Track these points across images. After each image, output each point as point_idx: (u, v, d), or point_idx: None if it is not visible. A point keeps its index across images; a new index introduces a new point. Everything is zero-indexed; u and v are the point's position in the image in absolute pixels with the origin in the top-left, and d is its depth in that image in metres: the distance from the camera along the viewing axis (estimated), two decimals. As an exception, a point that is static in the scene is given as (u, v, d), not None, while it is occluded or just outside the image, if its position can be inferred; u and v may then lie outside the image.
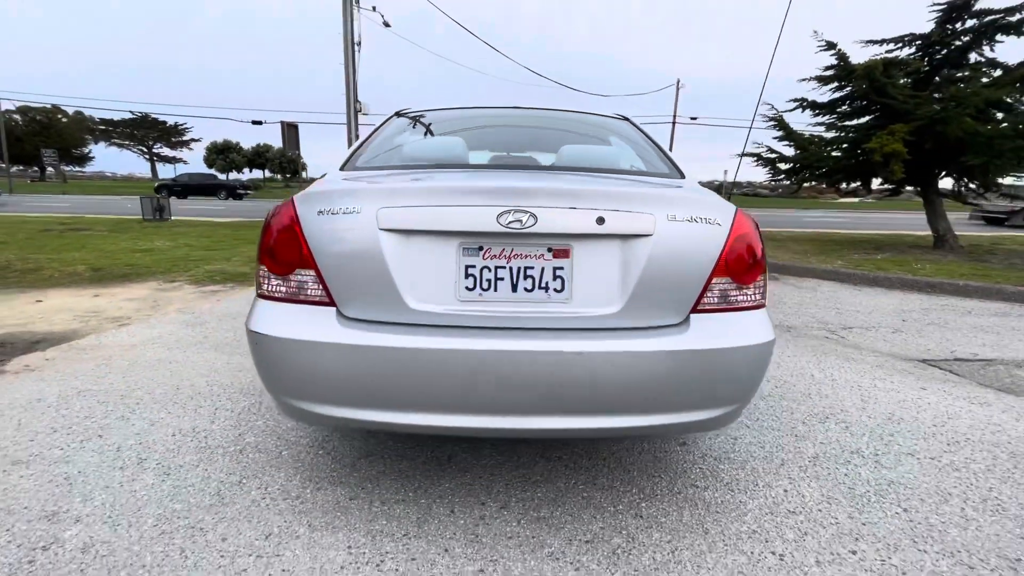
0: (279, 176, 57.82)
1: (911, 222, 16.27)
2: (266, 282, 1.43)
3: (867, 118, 9.40)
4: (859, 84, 8.46)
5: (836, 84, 9.12)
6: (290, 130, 13.91)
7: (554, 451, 1.95)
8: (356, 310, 1.36)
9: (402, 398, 1.31)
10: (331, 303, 1.37)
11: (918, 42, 9.18)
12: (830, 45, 8.78)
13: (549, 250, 1.33)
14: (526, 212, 1.29)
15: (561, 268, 1.34)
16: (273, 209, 1.46)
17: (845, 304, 4.93)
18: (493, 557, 1.39)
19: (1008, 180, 10.01)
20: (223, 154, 55.44)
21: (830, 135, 9.86)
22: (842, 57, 8.74)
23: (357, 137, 15.80)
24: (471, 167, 1.90)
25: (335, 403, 1.35)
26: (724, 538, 1.48)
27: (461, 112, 2.48)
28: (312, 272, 1.37)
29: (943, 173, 9.26)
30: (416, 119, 2.33)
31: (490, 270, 1.34)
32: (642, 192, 1.40)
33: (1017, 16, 8.28)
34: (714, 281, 1.37)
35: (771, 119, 10.13)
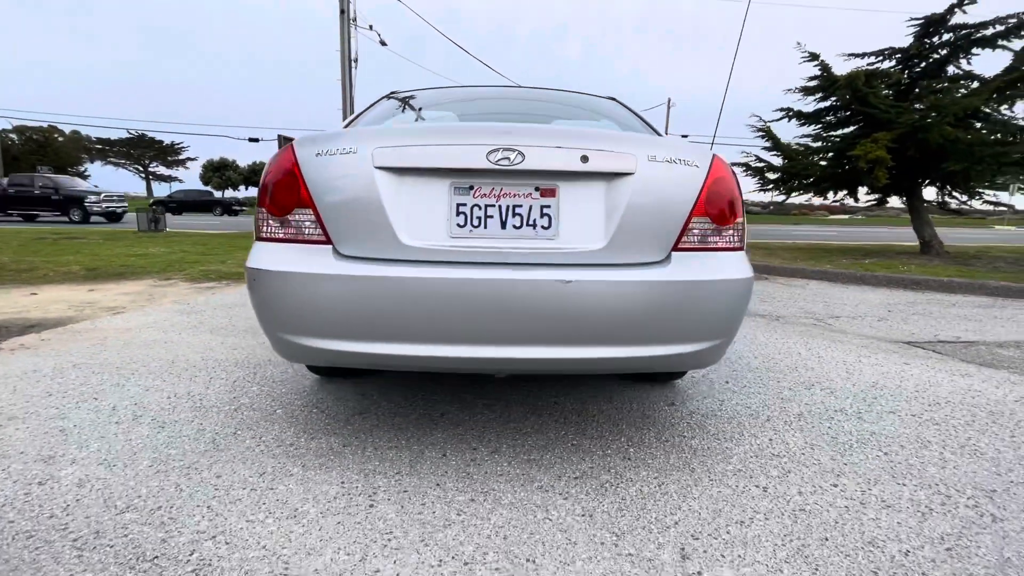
0: (275, 194, 57.99)
1: (900, 235, 16.57)
2: (265, 225, 1.48)
3: (851, 128, 9.66)
4: (842, 94, 8.73)
5: (820, 94, 9.37)
6: (285, 144, 14.07)
7: (545, 408, 1.99)
8: (352, 247, 1.41)
9: (395, 329, 1.36)
10: (328, 241, 1.42)
11: (898, 55, 9.51)
12: (813, 56, 9.06)
13: (536, 189, 1.40)
14: (514, 150, 1.36)
15: (548, 206, 1.40)
16: (273, 155, 1.53)
17: (833, 298, 5.02)
18: (484, 489, 1.42)
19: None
20: (219, 172, 55.77)
21: (816, 145, 10.11)
22: (825, 68, 9.02)
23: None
24: (480, 119, 2.01)
25: (330, 336, 1.40)
26: (710, 475, 1.52)
27: (453, 91, 2.58)
28: (310, 211, 1.42)
29: (926, 181, 9.49)
30: (408, 99, 2.43)
31: (480, 208, 1.40)
32: (624, 135, 1.49)
33: (991, 30, 8.59)
34: (693, 221, 1.44)
35: (758, 130, 10.43)
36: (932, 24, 9.06)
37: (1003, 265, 7.87)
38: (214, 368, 2.41)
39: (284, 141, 14.18)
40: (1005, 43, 8.72)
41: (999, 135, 8.16)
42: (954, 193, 9.90)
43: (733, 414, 2.00)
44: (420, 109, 2.30)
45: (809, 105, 9.81)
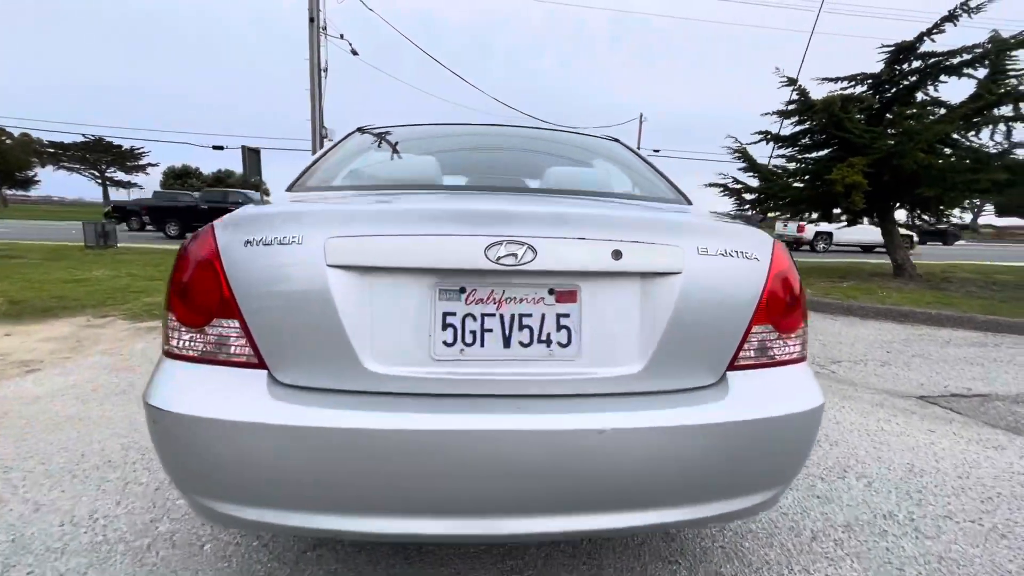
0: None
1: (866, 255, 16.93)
2: (174, 335, 1.08)
3: (826, 151, 9.74)
4: (819, 118, 8.74)
5: (797, 118, 9.40)
6: (251, 155, 13.39)
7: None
8: (295, 374, 1.02)
9: (359, 496, 0.97)
10: (260, 364, 1.03)
11: (869, 80, 9.63)
12: (791, 81, 9.09)
13: (551, 292, 1.04)
14: (522, 243, 1.00)
15: (566, 315, 1.04)
16: (189, 238, 1.12)
17: (827, 335, 4.83)
18: None
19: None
20: (181, 179, 53.66)
21: (792, 167, 10.17)
22: (803, 92, 9.04)
23: (322, 163, 15.49)
24: (446, 189, 1.61)
25: (266, 504, 1.00)
26: (770, 652, 1.17)
27: (431, 129, 2.20)
28: (235, 323, 1.03)
29: (899, 204, 9.61)
30: (381, 136, 2.04)
31: (475, 318, 1.03)
32: (665, 219, 1.14)
33: (958, 59, 8.77)
34: (754, 330, 1.10)
35: (735, 151, 10.43)
36: (902, 51, 9.21)
37: (975, 289, 7.95)
38: (134, 465, 1.95)
39: (249, 153, 13.49)
40: (970, 71, 8.92)
41: (969, 161, 8.28)
42: (923, 215, 10.10)
43: (771, 528, 1.67)
44: (394, 150, 1.92)
45: (786, 128, 9.84)
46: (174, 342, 1.08)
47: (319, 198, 1.45)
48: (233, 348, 1.03)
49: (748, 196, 10.48)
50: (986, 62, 8.63)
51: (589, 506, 1.00)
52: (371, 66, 20.77)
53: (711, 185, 10.80)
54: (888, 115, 9.46)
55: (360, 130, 2.09)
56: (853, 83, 9.73)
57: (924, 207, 9.34)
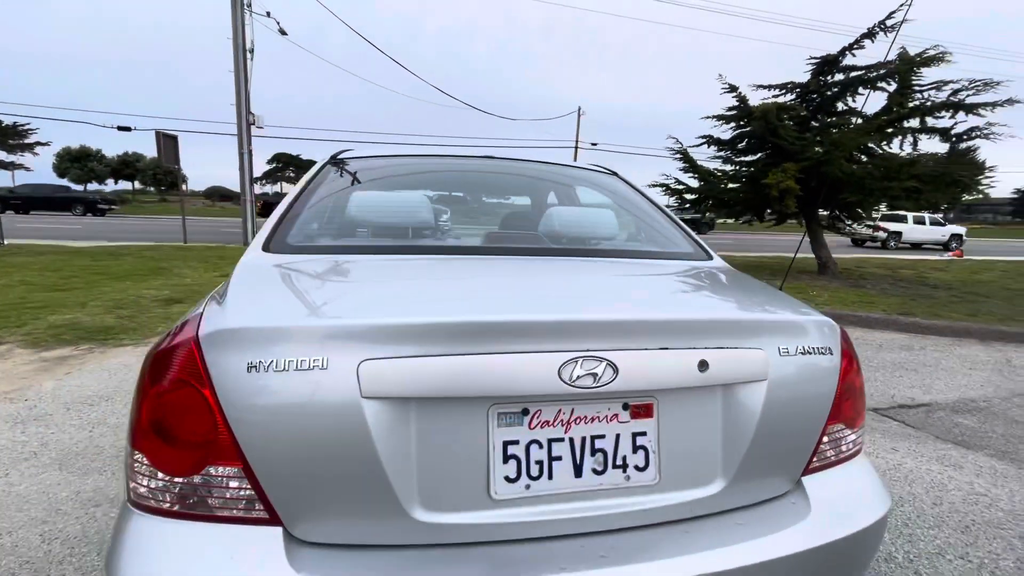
0: (152, 188, 51.26)
1: (781, 244, 18.26)
2: (146, 482, 0.83)
3: (760, 155, 10.30)
4: (757, 124, 9.17)
5: (736, 123, 9.82)
6: (167, 142, 12.11)
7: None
8: (321, 529, 0.81)
9: None
10: (273, 519, 0.81)
11: (798, 89, 10.25)
12: (732, 88, 9.45)
13: (625, 407, 0.90)
14: (600, 359, 0.84)
15: (643, 433, 0.90)
16: (157, 348, 0.86)
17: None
18: None
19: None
20: (79, 162, 47.91)
21: (731, 170, 10.68)
22: (743, 99, 9.44)
23: (250, 152, 14.30)
24: (465, 252, 1.43)
25: None
26: None
27: (418, 162, 1.97)
28: (237, 468, 0.80)
29: (824, 207, 10.35)
30: (360, 170, 1.78)
31: (541, 446, 0.86)
32: (750, 319, 1.03)
33: (874, 73, 9.51)
34: (829, 429, 1.02)
35: (676, 152, 10.79)
36: (827, 63, 9.85)
37: (888, 287, 8.74)
38: (62, 566, 1.61)
39: (165, 139, 12.17)
40: (883, 85, 9.71)
41: (883, 169, 9.03)
42: (843, 218, 10.97)
43: None
44: (385, 198, 1.68)
45: (725, 132, 10.26)
46: (146, 491, 0.82)
47: (312, 266, 1.21)
48: (235, 500, 0.80)
49: (689, 196, 10.91)
50: (896, 77, 9.43)
51: None
52: (301, 48, 19.46)
53: (654, 185, 11.14)
54: (814, 123, 10.14)
55: (335, 160, 1.82)
56: (784, 91, 10.33)
57: (844, 210, 10.10)
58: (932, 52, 9.03)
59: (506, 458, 0.85)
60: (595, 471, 0.88)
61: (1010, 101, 8.33)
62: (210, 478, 0.80)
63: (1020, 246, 26.65)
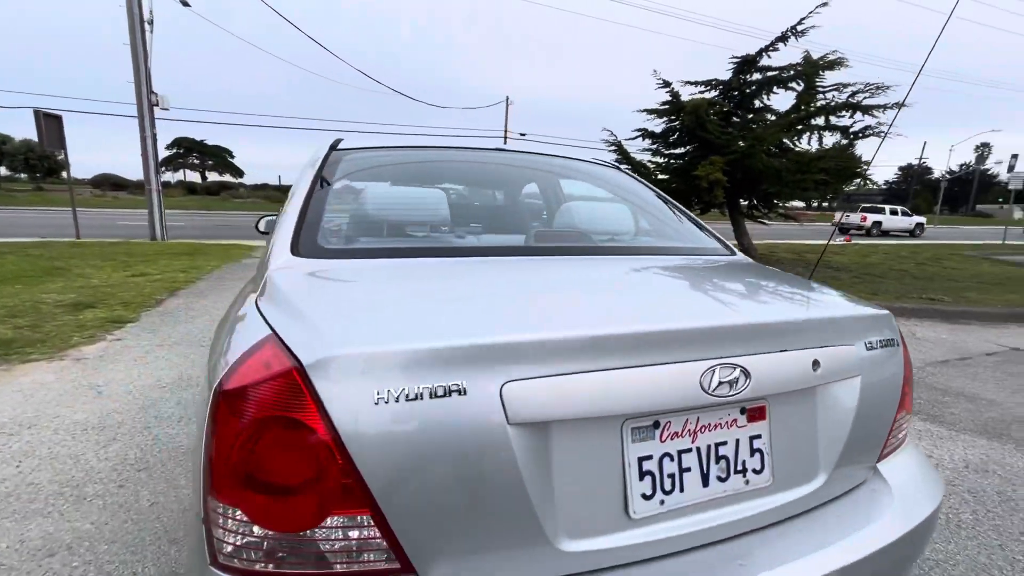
0: (24, 176, 44.56)
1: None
2: (241, 540, 0.69)
3: (688, 148, 10.89)
4: (688, 119, 9.66)
5: (668, 117, 10.29)
6: (50, 123, 10.54)
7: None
8: (458, 573, 0.72)
9: None
10: (405, 570, 0.71)
11: (721, 87, 10.92)
12: (666, 83, 9.86)
13: (742, 411, 0.89)
14: (735, 366, 0.82)
15: (758, 436, 0.90)
16: (239, 381, 0.72)
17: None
18: None
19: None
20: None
21: (662, 161, 11.20)
22: (675, 95, 9.88)
23: (154, 136, 12.82)
24: (519, 253, 1.35)
25: None
26: None
27: (432, 154, 1.83)
28: (362, 517, 0.69)
29: (748, 199, 11.17)
30: (375, 164, 1.62)
31: (672, 458, 0.83)
32: (846, 316, 1.04)
33: (786, 74, 10.35)
34: (898, 416, 1.08)
35: (611, 144, 11.15)
36: (746, 63, 10.56)
37: (801, 271, 9.63)
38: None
39: (47, 119, 10.56)
40: (793, 85, 10.60)
41: (796, 163, 9.89)
42: (759, 207, 11.90)
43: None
44: (406, 183, 1.54)
45: (658, 126, 10.72)
46: (246, 553, 0.69)
47: (373, 273, 1.08)
48: (361, 551, 0.70)
49: (624, 187, 11.31)
50: (803, 79, 10.33)
51: None
52: (206, 20, 17.71)
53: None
54: (735, 118, 10.87)
55: (334, 148, 1.64)
56: (709, 88, 10.96)
57: (763, 200, 10.95)
58: (832, 57, 9.98)
59: (641, 475, 0.81)
60: (719, 479, 0.87)
61: (897, 105, 9.42)
62: (330, 530, 0.69)
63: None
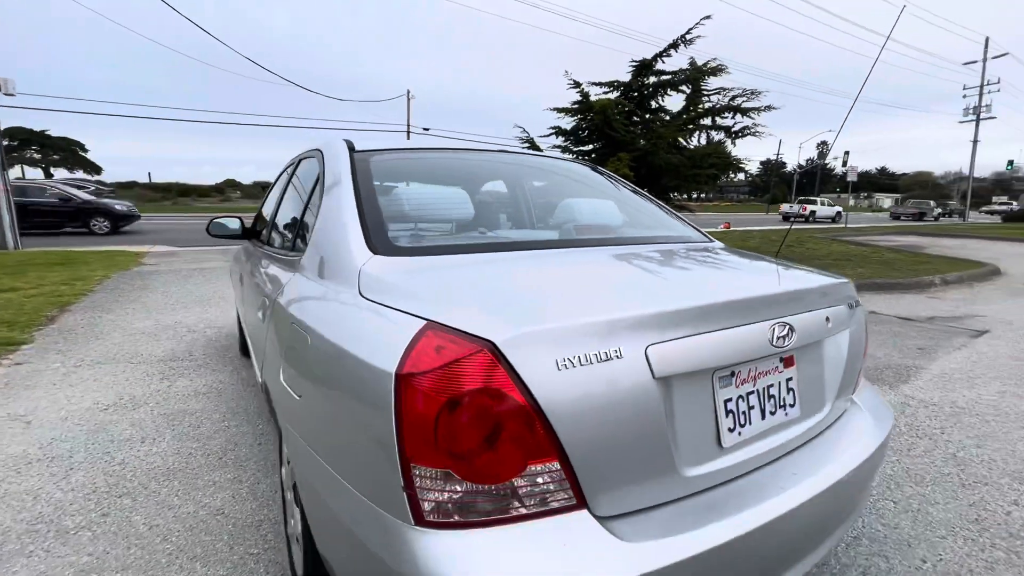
0: None
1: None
2: (440, 494, 0.81)
3: (597, 145, 11.62)
4: (597, 117, 10.32)
5: (578, 115, 10.90)
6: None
7: None
8: (613, 503, 0.90)
9: None
10: (580, 504, 0.87)
11: (622, 88, 11.79)
12: (576, 83, 10.44)
13: (781, 360, 1.16)
14: (786, 324, 1.08)
15: (790, 379, 1.18)
16: (433, 359, 0.83)
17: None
18: None
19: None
20: None
21: (569, 156, 11.84)
22: (585, 95, 10.50)
23: (-2, 128, 10.82)
24: (567, 245, 1.52)
25: None
26: None
27: (452, 155, 1.96)
28: (552, 464, 0.84)
29: (647, 191, 12.19)
30: (410, 167, 1.71)
31: (744, 399, 1.08)
32: (836, 283, 1.35)
33: (678, 78, 11.45)
34: (864, 357, 1.43)
35: (524, 140, 11.57)
36: (644, 67, 11.51)
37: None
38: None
39: None
40: (684, 89, 11.76)
41: (691, 159, 11.01)
42: (658, 199, 13.06)
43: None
44: (448, 184, 1.65)
45: (569, 123, 11.31)
46: (451, 507, 0.81)
47: (458, 267, 1.20)
48: (551, 493, 0.84)
49: (539, 182, 11.80)
50: (690, 83, 11.52)
51: (821, 539, 1.17)
52: (53, -8, 15.20)
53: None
54: (635, 117, 11.80)
55: (363, 154, 1.67)
56: (612, 88, 11.77)
57: (664, 194, 12.03)
58: (713, 64, 11.24)
59: (727, 413, 1.04)
60: (771, 412, 1.13)
61: (769, 108, 10.87)
62: (526, 477, 0.82)
63: (757, 217, 35.56)
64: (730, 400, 1.06)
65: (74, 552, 1.71)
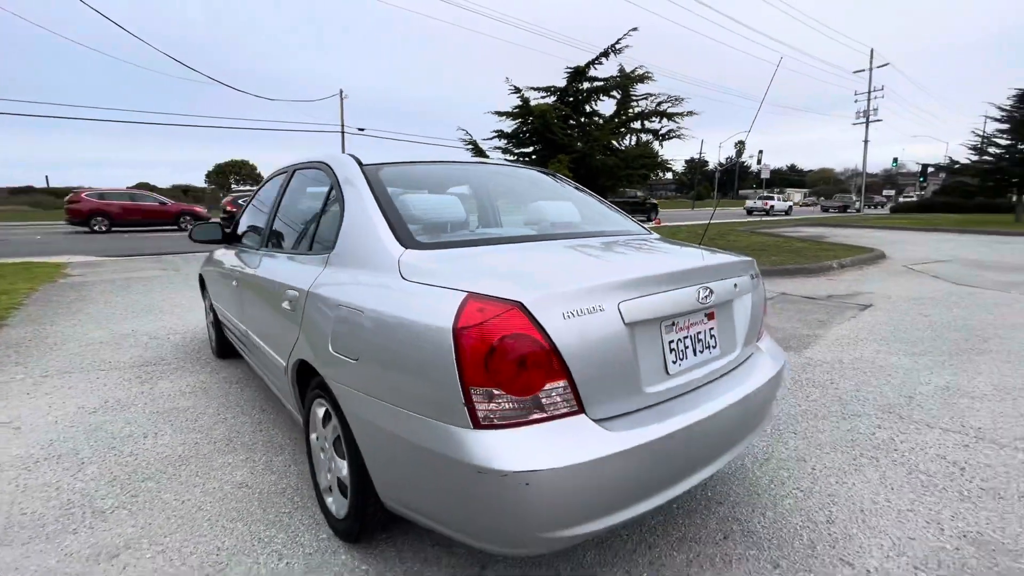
0: None
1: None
2: (490, 405, 1.20)
3: (537, 147, 12.20)
4: (537, 121, 10.88)
5: (520, 119, 11.41)
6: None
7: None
8: (602, 409, 1.32)
9: (649, 485, 1.36)
10: (580, 410, 1.28)
11: (558, 92, 12.43)
12: (517, 89, 10.92)
13: (705, 314, 1.63)
14: (709, 287, 1.55)
15: (712, 328, 1.65)
16: (479, 316, 1.20)
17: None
18: None
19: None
20: None
21: (510, 158, 12.33)
22: (525, 100, 11.00)
23: None
24: (547, 238, 1.95)
25: (594, 516, 1.27)
26: (765, 491, 2.11)
27: (451, 168, 2.35)
28: (562, 383, 1.24)
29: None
30: (417, 177, 2.10)
31: (681, 341, 1.53)
32: (742, 259, 1.85)
33: (610, 84, 12.24)
34: (763, 317, 1.95)
35: (468, 143, 11.95)
36: (578, 73, 12.21)
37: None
38: None
39: None
40: (615, 94, 12.59)
41: (624, 160, 11.84)
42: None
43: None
44: (451, 192, 2.04)
45: (511, 127, 11.79)
46: (498, 414, 1.19)
47: (471, 256, 1.58)
48: (560, 402, 1.24)
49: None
50: (620, 89, 12.36)
51: (738, 439, 1.66)
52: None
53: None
54: (572, 121, 12.50)
55: (373, 168, 2.00)
56: (549, 93, 12.39)
57: (602, 192, 12.81)
58: (640, 72, 12.14)
59: (670, 351, 1.49)
60: (700, 351, 1.60)
61: (691, 113, 11.91)
62: (546, 391, 1.22)
63: (684, 213, 38.02)
64: (672, 341, 1.51)
65: (117, 526, 1.91)
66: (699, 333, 1.61)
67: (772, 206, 36.69)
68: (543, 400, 1.24)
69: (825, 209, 42.85)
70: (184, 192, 48.62)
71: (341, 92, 35.45)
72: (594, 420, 1.30)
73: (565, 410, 1.27)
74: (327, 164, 2.12)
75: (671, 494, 1.42)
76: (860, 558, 1.72)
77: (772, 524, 1.90)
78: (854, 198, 44.98)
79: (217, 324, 3.71)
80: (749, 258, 1.94)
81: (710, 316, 1.66)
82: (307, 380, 1.94)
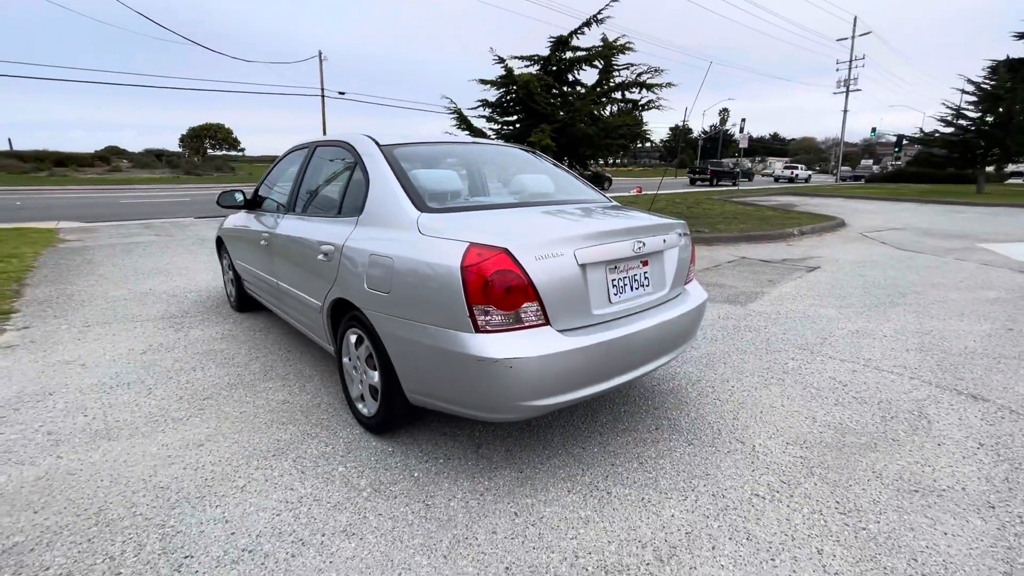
0: None
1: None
2: (486, 317, 1.77)
3: (520, 116, 12.51)
4: (521, 91, 11.18)
5: (503, 88, 11.67)
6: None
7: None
8: (562, 324, 1.90)
9: (603, 371, 1.97)
10: (546, 323, 1.86)
11: (541, 62, 12.67)
12: (501, 59, 11.15)
13: (640, 261, 2.21)
14: (642, 241, 2.13)
15: (646, 272, 2.24)
16: (477, 258, 1.76)
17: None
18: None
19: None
20: None
21: (499, 129, 12.64)
22: (509, 70, 11.25)
23: None
24: (531, 205, 2.49)
25: (556, 393, 1.88)
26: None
27: (454, 147, 2.89)
28: (535, 304, 1.82)
29: (567, 159, 13.33)
30: (428, 156, 2.66)
31: (621, 280, 2.12)
32: (672, 221, 2.42)
33: (592, 54, 12.51)
34: (691, 267, 2.55)
35: (452, 111, 12.20)
36: (561, 43, 12.44)
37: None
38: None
39: None
40: (596, 64, 12.87)
41: (605, 130, 12.26)
42: (575, 166, 14.34)
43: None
44: (455, 168, 2.58)
45: (495, 96, 12.05)
46: (487, 323, 1.77)
47: (470, 217, 2.13)
48: (533, 316, 1.83)
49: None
50: (602, 59, 12.65)
51: (661, 353, 2.27)
52: None
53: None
54: (554, 91, 12.79)
55: (390, 147, 2.50)
56: (532, 63, 12.62)
57: (581, 162, 13.24)
58: (622, 42, 12.41)
59: (612, 286, 2.07)
60: (636, 288, 2.19)
61: (669, 84, 12.30)
62: (523, 308, 1.80)
63: (667, 181, 38.33)
64: (614, 280, 2.10)
65: (195, 428, 2.47)
66: (635, 275, 2.20)
67: (796, 174, 41.77)
68: (522, 315, 1.82)
69: (776, 179, 45.20)
70: (158, 157, 47.16)
71: (320, 54, 34.55)
72: (557, 330, 1.89)
73: (537, 322, 1.85)
74: (350, 144, 2.63)
75: (612, 383, 2.04)
76: (749, 439, 2.38)
77: (692, 420, 2.56)
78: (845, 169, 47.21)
79: (237, 280, 4.20)
80: (681, 220, 2.52)
81: (644, 263, 2.24)
82: (339, 316, 2.49)
